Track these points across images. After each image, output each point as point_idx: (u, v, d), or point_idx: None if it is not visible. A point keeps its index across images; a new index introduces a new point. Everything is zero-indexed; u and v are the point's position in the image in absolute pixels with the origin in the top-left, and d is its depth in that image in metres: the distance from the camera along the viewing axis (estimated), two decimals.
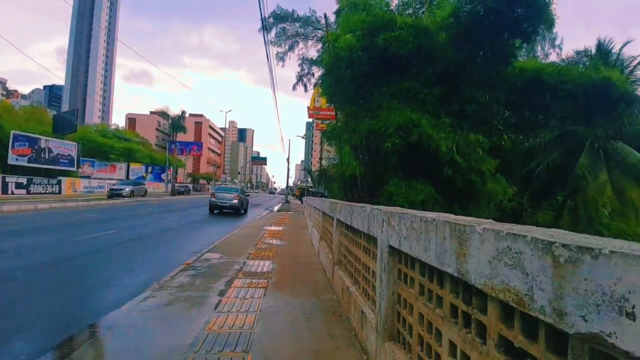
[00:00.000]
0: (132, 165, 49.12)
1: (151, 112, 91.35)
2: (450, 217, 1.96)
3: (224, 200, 20.57)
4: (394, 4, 19.33)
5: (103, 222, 13.61)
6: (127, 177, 47.93)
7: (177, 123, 48.04)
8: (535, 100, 15.64)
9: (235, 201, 20.69)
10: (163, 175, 53.71)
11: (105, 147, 46.07)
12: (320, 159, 40.66)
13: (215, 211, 20.51)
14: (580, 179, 17.01)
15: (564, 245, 1.01)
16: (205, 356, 3.10)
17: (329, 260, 6.32)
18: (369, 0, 16.98)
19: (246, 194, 28.48)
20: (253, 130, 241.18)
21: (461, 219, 1.82)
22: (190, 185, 68.62)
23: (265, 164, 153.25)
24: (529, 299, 1.14)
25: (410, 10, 19.04)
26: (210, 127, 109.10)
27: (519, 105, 16.02)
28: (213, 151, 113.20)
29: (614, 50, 19.64)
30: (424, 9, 18.57)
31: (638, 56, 19.08)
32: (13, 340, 3.51)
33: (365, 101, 14.31)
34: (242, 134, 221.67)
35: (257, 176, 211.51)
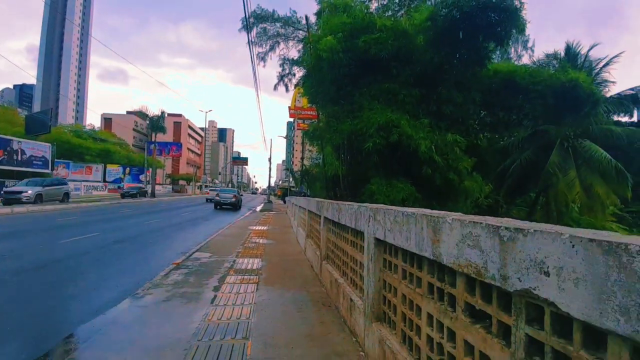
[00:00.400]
0: (109, 167, 48.12)
1: (128, 112, 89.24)
2: (427, 211, 2.32)
3: (226, 198, 27.56)
4: (373, 7, 19.76)
5: None
6: (104, 179, 46.89)
7: (156, 123, 47.27)
8: (508, 100, 16.34)
9: (234, 199, 27.60)
10: (142, 177, 52.82)
11: (81, 149, 44.87)
12: (302, 158, 40.97)
13: (217, 207, 26.84)
14: (551, 176, 17.90)
15: (506, 228, 1.37)
16: (209, 343, 3.39)
17: (316, 256, 6.65)
18: (349, 2, 17.36)
19: (240, 194, 34.42)
20: (233, 130, 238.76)
21: (435, 212, 2.19)
22: (170, 187, 67.32)
23: (247, 164, 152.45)
24: (485, 270, 1.51)
25: (390, 13, 19.46)
26: (190, 127, 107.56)
27: (493, 105, 16.71)
28: (193, 151, 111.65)
29: (582, 52, 20.75)
30: (402, 12, 19.08)
31: (604, 58, 20.20)
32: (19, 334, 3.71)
33: (347, 102, 14.65)
34: (222, 134, 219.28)
35: (238, 176, 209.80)
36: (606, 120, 20.45)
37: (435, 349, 2.06)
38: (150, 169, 47.41)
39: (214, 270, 6.58)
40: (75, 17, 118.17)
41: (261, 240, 10.89)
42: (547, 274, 1.18)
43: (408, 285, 2.48)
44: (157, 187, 51.91)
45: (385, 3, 20.67)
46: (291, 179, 62.94)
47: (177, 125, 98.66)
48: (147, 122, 51.09)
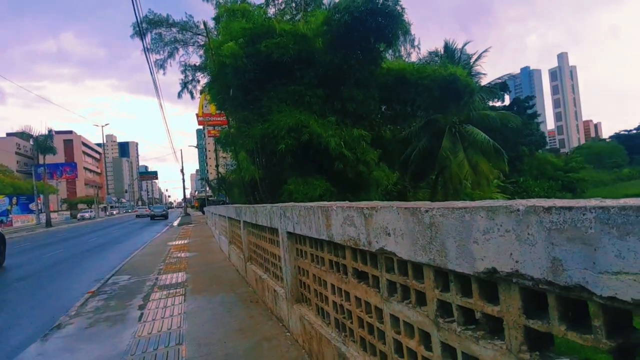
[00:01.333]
0: None
1: (8, 134, 76.89)
2: (321, 203, 2.84)
3: (158, 212, 44.38)
4: (271, 12, 20.21)
5: None
6: None
7: (43, 143, 41.63)
8: (402, 95, 18.08)
9: (164, 212, 44.50)
10: (32, 205, 46.42)
11: None
12: (217, 166, 39.86)
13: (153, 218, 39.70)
14: (445, 159, 20.34)
15: (367, 208, 1.92)
16: (142, 356, 3.52)
17: (240, 260, 6.92)
18: (247, 7, 17.55)
19: (168, 209, 51.15)
20: (137, 144, 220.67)
21: (325, 203, 2.72)
22: (68, 213, 60.30)
23: (156, 179, 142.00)
24: (358, 240, 2.05)
25: (288, 17, 20.03)
26: (85, 144, 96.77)
27: (391, 100, 18.37)
28: (91, 171, 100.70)
29: (458, 48, 23.84)
30: (300, 16, 19.82)
31: (475, 54, 23.50)
32: None
33: (256, 106, 14.87)
34: (124, 149, 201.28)
35: (148, 192, 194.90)
36: (483, 106, 23.80)
37: (339, 309, 2.60)
38: (42, 196, 41.87)
39: (136, 290, 6.45)
40: None
41: (183, 254, 10.70)
42: (389, 234, 1.74)
43: (316, 266, 2.99)
44: (53, 215, 46.08)
45: (282, 8, 21.25)
46: (208, 189, 60.79)
47: (69, 144, 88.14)
48: (32, 143, 44.86)
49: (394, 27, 14.93)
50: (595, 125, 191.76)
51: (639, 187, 48.45)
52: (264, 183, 16.21)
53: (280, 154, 13.56)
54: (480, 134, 20.82)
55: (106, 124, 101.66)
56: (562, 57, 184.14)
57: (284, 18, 19.49)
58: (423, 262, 1.55)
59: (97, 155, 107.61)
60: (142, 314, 4.99)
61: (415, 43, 26.02)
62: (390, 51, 20.18)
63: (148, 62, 17.21)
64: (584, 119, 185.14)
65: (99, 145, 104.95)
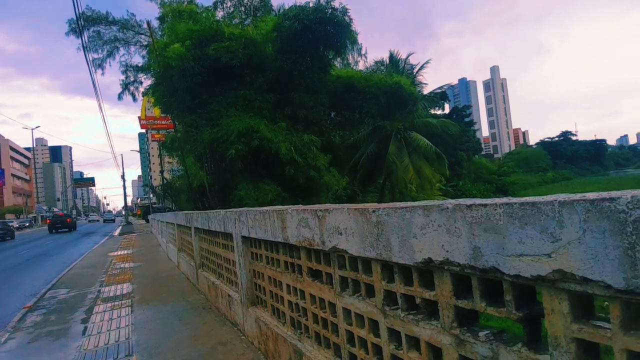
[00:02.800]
0: None
1: None
2: (277, 207, 2.97)
3: (109, 218, 64.56)
4: (220, 15, 19.89)
5: None
6: None
7: None
8: (351, 102, 18.65)
9: (114, 217, 69.42)
10: None
11: None
12: (162, 172, 38.11)
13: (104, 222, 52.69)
14: (392, 163, 21.23)
15: (321, 210, 2.08)
16: None
17: (191, 267, 6.78)
18: (195, 9, 17.16)
19: (115, 216, 70.40)
20: (70, 148, 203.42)
21: (281, 207, 2.84)
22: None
23: (93, 185, 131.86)
24: (313, 240, 2.20)
25: (237, 21, 19.82)
26: (12, 148, 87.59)
27: (340, 106, 18.86)
28: (19, 178, 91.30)
29: (402, 58, 25.08)
30: (249, 21, 19.72)
31: (417, 65, 24.87)
32: None
33: (204, 110, 14.57)
34: (56, 153, 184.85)
35: (83, 200, 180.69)
36: (425, 114, 25.18)
37: (294, 308, 2.73)
38: None
39: (77, 304, 6.07)
40: None
41: (127, 265, 10.17)
42: (341, 234, 1.92)
43: (271, 268, 3.10)
44: None
45: (231, 11, 21.00)
46: (152, 195, 57.89)
47: None
48: None
49: (342, 36, 15.39)
50: (524, 133, 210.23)
51: (560, 189, 53.86)
52: (213, 189, 15.88)
53: (230, 159, 13.40)
54: (424, 140, 22.04)
55: (36, 127, 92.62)
56: (494, 69, 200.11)
57: (233, 22, 19.26)
58: (371, 257, 1.74)
59: (26, 161, 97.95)
60: (86, 327, 4.73)
61: (363, 52, 26.91)
62: (339, 59, 20.72)
63: (87, 61, 16.09)
64: (513, 127, 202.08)
65: (28, 149, 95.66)
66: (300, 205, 2.64)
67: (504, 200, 1.17)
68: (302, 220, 2.30)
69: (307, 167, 14.73)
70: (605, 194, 0.93)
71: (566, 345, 1.06)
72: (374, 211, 1.67)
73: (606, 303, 1.03)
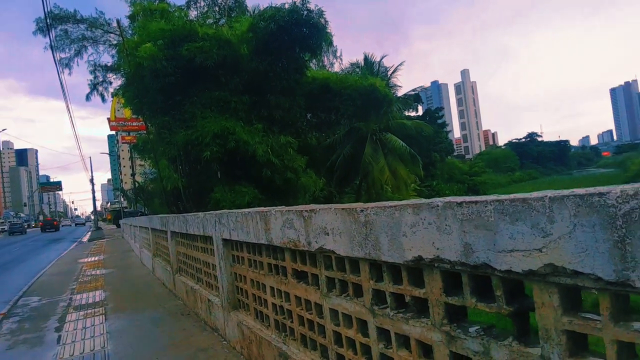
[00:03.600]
0: None
1: None
2: (259, 209, 2.92)
3: (79, 222, 74.69)
4: (193, 14, 19.48)
5: None
6: None
7: None
8: (327, 103, 18.69)
9: (84, 220, 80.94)
10: None
11: None
12: (133, 175, 36.93)
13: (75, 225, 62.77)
14: (367, 165, 21.44)
15: (306, 210, 2.06)
16: None
17: (167, 273, 6.58)
18: (167, 8, 16.75)
19: (85, 220, 77.50)
20: (36, 151, 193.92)
21: (264, 208, 2.80)
22: None
23: (60, 190, 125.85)
24: (298, 241, 2.18)
25: (211, 21, 19.47)
26: None
27: (316, 108, 18.87)
28: None
29: (376, 61, 25.39)
30: (224, 21, 19.42)
31: (391, 67, 25.27)
32: None
33: (178, 111, 14.21)
34: (22, 157, 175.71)
35: (50, 205, 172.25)
36: (400, 116, 25.61)
37: (279, 311, 2.69)
38: None
39: (50, 312, 5.80)
40: None
41: (98, 271, 9.77)
42: (328, 234, 1.90)
43: (254, 271, 3.04)
44: None
45: (205, 11, 20.63)
46: (123, 199, 56.03)
47: None
48: None
49: (318, 37, 15.40)
50: (493, 134, 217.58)
51: (527, 187, 56.01)
52: (188, 192, 15.52)
53: (206, 162, 13.15)
54: (399, 141, 22.38)
55: (3, 130, 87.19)
56: (464, 73, 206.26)
57: (207, 22, 18.91)
58: (360, 256, 1.73)
59: None
60: (60, 336, 4.54)
61: (338, 54, 27.04)
62: (314, 61, 20.73)
63: (54, 61, 15.36)
64: (483, 128, 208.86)
65: None
66: (284, 206, 2.60)
67: (494, 197, 1.19)
68: (287, 222, 2.27)
69: (284, 169, 14.65)
70: (594, 189, 0.95)
71: (557, 337, 1.09)
72: (362, 211, 1.67)
73: (593, 295, 1.06)
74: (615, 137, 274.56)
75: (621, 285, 0.91)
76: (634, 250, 0.87)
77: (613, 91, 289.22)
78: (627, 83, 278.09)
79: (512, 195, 1.14)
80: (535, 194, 1.07)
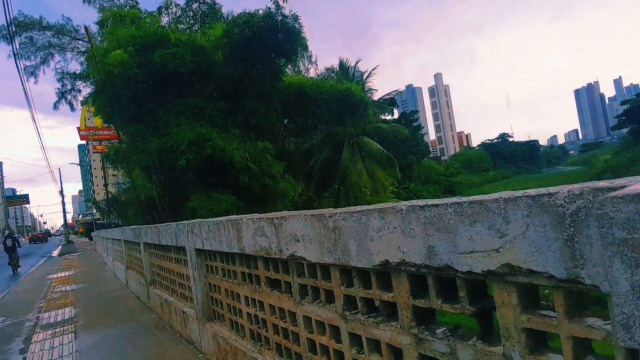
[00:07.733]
0: None
1: None
2: (231, 217, 2.88)
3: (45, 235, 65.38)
4: (164, 20, 19.13)
5: None
6: None
7: None
8: (303, 108, 18.70)
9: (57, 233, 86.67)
10: None
11: None
12: (106, 185, 35.80)
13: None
14: (345, 169, 21.56)
15: (277, 218, 2.05)
16: None
17: (141, 285, 6.39)
18: (137, 13, 16.41)
19: (49, 236, 65.77)
20: (1, 163, 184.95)
21: (236, 217, 2.76)
22: None
23: (28, 203, 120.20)
24: (270, 249, 2.16)
25: (184, 27, 19.20)
26: None
27: (293, 113, 18.86)
28: None
29: (351, 65, 25.64)
30: (197, 27, 19.18)
31: (366, 72, 25.58)
32: None
33: (151, 119, 13.91)
34: None
35: (17, 219, 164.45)
36: (376, 119, 25.90)
37: (253, 320, 2.65)
38: None
39: (14, 333, 5.50)
40: None
41: (68, 287, 9.39)
42: (298, 240, 1.90)
43: (228, 280, 2.99)
44: None
45: (178, 16, 20.32)
46: (95, 211, 54.19)
47: None
48: None
49: (293, 42, 15.40)
50: (467, 136, 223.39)
51: (500, 187, 57.75)
52: (164, 201, 15.16)
53: (181, 170, 12.90)
54: (375, 144, 22.62)
55: None
56: (437, 76, 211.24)
57: (179, 28, 18.61)
58: (330, 262, 1.73)
59: None
60: (24, 358, 4.31)
61: (313, 59, 27.14)
62: (290, 66, 20.73)
63: (18, 69, 14.71)
64: (457, 130, 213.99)
65: None
66: (256, 214, 2.58)
67: (454, 199, 1.21)
68: (259, 229, 2.24)
69: (262, 175, 14.53)
70: (544, 190, 0.99)
71: (517, 335, 1.11)
72: (330, 216, 1.67)
73: (547, 291, 1.10)
74: (580, 136, 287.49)
75: (572, 282, 0.94)
76: (582, 248, 0.90)
77: (577, 92, 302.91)
78: (589, 85, 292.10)
79: (470, 198, 1.17)
80: (491, 196, 1.10)
